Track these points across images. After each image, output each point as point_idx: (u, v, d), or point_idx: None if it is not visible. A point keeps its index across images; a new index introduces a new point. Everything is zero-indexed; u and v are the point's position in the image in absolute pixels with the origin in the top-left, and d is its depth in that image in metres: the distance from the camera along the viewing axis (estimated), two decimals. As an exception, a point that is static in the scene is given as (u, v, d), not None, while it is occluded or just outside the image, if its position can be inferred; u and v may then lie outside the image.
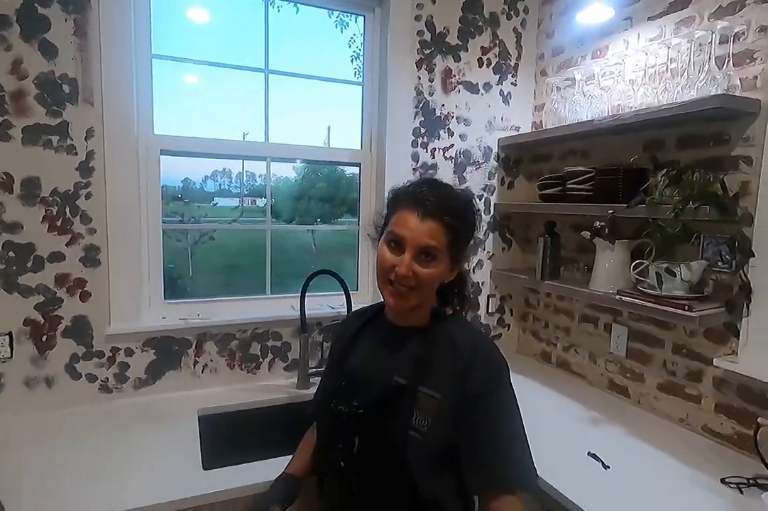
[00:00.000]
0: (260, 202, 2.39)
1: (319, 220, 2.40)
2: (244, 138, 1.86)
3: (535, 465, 0.92)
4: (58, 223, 1.48)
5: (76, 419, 1.48)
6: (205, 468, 1.24)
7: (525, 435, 0.93)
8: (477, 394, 0.90)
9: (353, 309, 1.56)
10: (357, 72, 2.05)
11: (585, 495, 1.13)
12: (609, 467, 1.26)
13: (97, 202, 1.51)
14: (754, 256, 1.28)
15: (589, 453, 1.32)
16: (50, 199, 1.46)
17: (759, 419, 1.18)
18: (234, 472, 1.22)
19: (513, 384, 0.95)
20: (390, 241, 0.94)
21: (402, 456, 0.87)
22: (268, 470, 1.20)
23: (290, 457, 1.17)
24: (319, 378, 1.23)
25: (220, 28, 1.81)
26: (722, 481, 1.20)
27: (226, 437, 1.55)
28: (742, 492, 1.16)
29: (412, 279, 0.91)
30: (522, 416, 0.94)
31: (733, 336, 1.34)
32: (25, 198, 1.44)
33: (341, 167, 2.39)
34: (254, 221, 2.15)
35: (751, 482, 1.17)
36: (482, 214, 2.09)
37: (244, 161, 2.07)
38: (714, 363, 1.37)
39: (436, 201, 0.92)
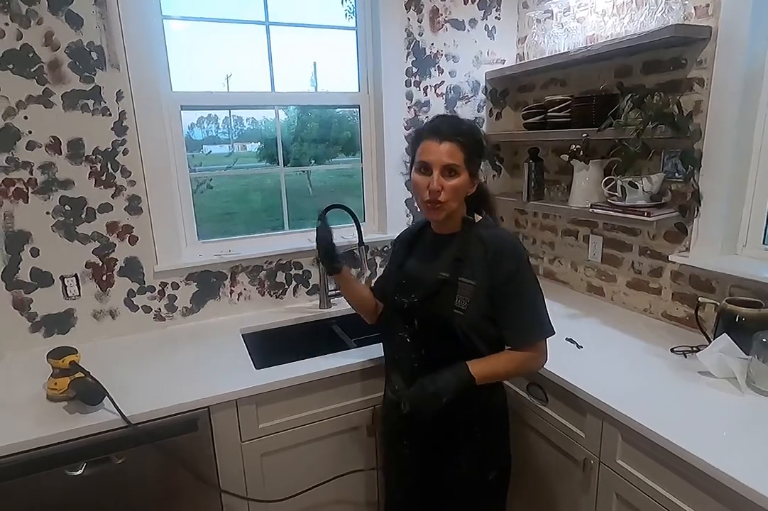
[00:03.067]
0: (251, 147, 2.46)
1: (313, 161, 2.45)
2: (227, 85, 1.97)
3: (550, 320, 1.22)
4: (103, 178, 1.70)
5: (140, 343, 1.76)
6: (257, 368, 1.54)
7: (544, 302, 1.22)
8: (504, 278, 1.17)
9: (363, 238, 1.97)
10: (348, 13, 2.16)
11: (562, 368, 1.41)
12: (582, 347, 1.56)
13: (133, 157, 1.72)
14: (700, 166, 1.51)
15: (566, 338, 1.61)
16: (93, 157, 1.67)
17: (699, 298, 1.46)
18: (281, 369, 1.52)
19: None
20: (420, 168, 1.17)
21: (450, 328, 1.18)
22: (308, 365, 1.53)
23: (322, 356, 1.55)
24: (339, 298, 1.57)
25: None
26: (671, 350, 1.50)
27: (268, 348, 1.85)
28: (686, 357, 1.46)
29: (442, 192, 1.14)
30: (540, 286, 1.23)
31: (683, 234, 1.60)
32: (72, 157, 1.65)
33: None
34: (247, 167, 2.24)
35: (693, 349, 1.46)
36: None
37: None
38: (670, 259, 1.64)
39: (448, 127, 1.15)
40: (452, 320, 1.17)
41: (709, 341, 1.42)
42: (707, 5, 1.47)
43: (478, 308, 1.18)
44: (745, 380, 1.28)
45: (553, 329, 1.21)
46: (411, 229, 1.43)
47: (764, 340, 1.24)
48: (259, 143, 2.36)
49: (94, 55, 1.59)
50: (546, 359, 1.24)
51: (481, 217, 1.27)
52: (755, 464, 0.99)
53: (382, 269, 1.80)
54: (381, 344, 1.42)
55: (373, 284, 1.54)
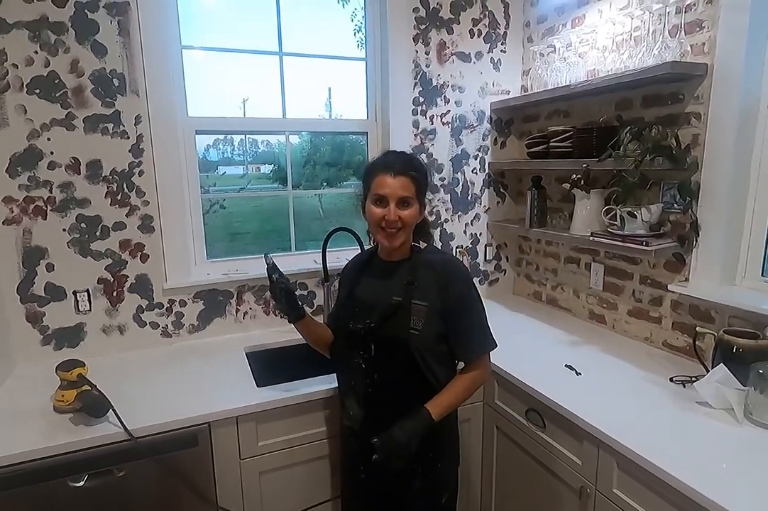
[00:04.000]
0: (264, 168, 2.52)
1: (325, 184, 2.50)
2: (243, 110, 2.05)
3: (493, 335, 1.34)
4: (118, 197, 1.77)
5: (147, 359, 1.80)
6: (258, 386, 1.56)
7: (486, 319, 1.33)
8: (454, 299, 1.27)
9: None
10: (360, 44, 2.26)
11: (561, 395, 1.43)
12: (581, 374, 1.57)
13: (148, 178, 1.79)
14: (698, 197, 1.54)
15: (565, 365, 1.62)
16: (110, 177, 1.74)
17: (697, 328, 1.47)
18: (282, 388, 1.54)
19: (505, 315, 1.32)
20: (375, 200, 1.26)
21: (407, 348, 1.24)
22: (309, 384, 1.56)
23: (322, 376, 1.56)
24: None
25: (232, 15, 2.00)
26: (670, 380, 1.50)
27: (271, 366, 1.87)
28: (684, 386, 1.46)
29: (399, 221, 1.24)
30: (484, 306, 1.34)
31: (682, 264, 1.62)
32: (90, 178, 1.72)
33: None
34: (259, 188, 2.28)
35: (693, 379, 1.46)
36: (478, 172, 2.34)
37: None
38: (669, 288, 1.65)
39: (401, 163, 1.26)
40: (409, 340, 1.24)
41: (707, 371, 1.42)
42: (703, 44, 1.52)
43: (432, 327, 1.26)
44: (743, 411, 1.28)
45: (495, 342, 1.34)
46: (357, 260, 1.49)
47: (761, 371, 1.25)
48: (272, 165, 2.41)
49: (115, 81, 1.68)
50: (490, 371, 1.38)
51: (426, 244, 1.37)
52: (753, 498, 0.99)
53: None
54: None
55: (327, 319, 1.57)
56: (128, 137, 1.74)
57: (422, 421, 1.20)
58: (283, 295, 1.34)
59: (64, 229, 1.71)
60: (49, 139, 1.64)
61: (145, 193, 1.80)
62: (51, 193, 1.67)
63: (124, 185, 1.77)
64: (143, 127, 1.75)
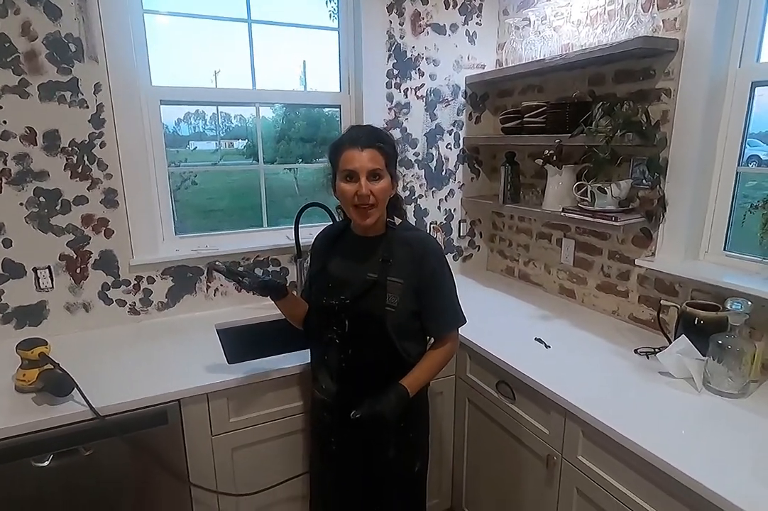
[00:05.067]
0: (237, 144, 2.45)
1: (300, 160, 2.45)
2: (215, 82, 1.98)
3: (462, 311, 1.35)
4: (79, 170, 1.69)
5: (114, 337, 1.75)
6: (229, 362, 1.55)
7: (456, 295, 1.34)
8: (429, 275, 1.28)
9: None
10: (332, 14, 2.18)
11: (530, 367, 1.45)
12: (549, 347, 1.60)
13: (110, 150, 1.72)
14: (665, 173, 1.56)
15: (535, 338, 1.65)
16: (69, 149, 1.66)
17: (662, 301, 1.51)
18: (254, 364, 1.53)
19: (479, 291, 1.30)
20: (345, 176, 1.22)
21: (383, 325, 1.24)
22: (280, 360, 1.55)
23: (295, 353, 1.56)
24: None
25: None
26: (635, 351, 1.55)
27: (242, 343, 1.85)
28: (648, 358, 1.51)
29: (371, 196, 1.20)
30: (455, 282, 1.35)
31: (649, 239, 1.65)
32: (48, 149, 1.64)
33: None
34: (231, 164, 2.23)
35: (656, 350, 1.51)
36: (452, 147, 2.32)
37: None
38: (636, 263, 1.69)
39: (367, 136, 1.22)
40: (385, 317, 1.24)
41: (670, 343, 1.47)
42: (675, 19, 1.52)
43: (406, 304, 1.26)
44: (702, 380, 1.33)
45: (465, 318, 1.36)
46: (329, 232, 1.45)
47: (720, 342, 1.29)
48: (246, 141, 2.34)
49: (72, 46, 1.59)
50: (458, 344, 1.41)
51: (400, 221, 1.36)
52: (710, 463, 1.03)
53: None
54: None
55: (301, 294, 1.54)
56: (87, 106, 1.65)
57: (399, 396, 1.21)
58: (257, 288, 1.31)
59: (21, 204, 1.64)
60: (1, 107, 1.55)
61: (107, 166, 1.73)
62: (5, 165, 1.59)
63: (85, 157, 1.69)
64: (104, 95, 1.67)
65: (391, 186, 1.27)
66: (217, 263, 1.35)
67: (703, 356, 1.35)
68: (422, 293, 1.27)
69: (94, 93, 1.65)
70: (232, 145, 2.43)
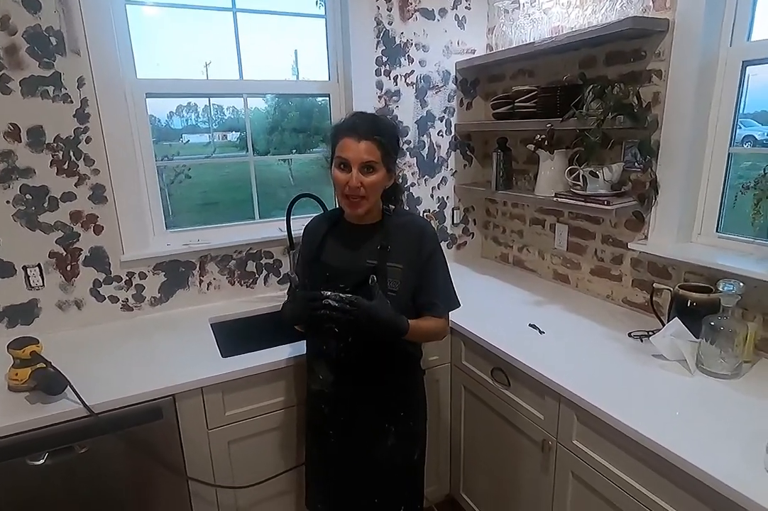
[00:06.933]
0: (231, 136, 2.42)
1: (294, 151, 2.43)
2: (206, 74, 1.95)
3: (457, 294, 1.36)
4: (65, 166, 1.67)
5: (107, 333, 1.74)
6: (223, 356, 1.54)
7: (451, 278, 1.35)
8: (426, 259, 1.29)
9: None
10: (318, 1, 2.14)
11: (524, 352, 1.46)
12: (544, 332, 1.60)
13: (97, 145, 1.69)
14: (657, 156, 1.55)
15: (530, 324, 1.65)
16: (55, 145, 1.64)
17: (654, 284, 1.51)
18: (248, 357, 1.52)
19: (473, 278, 1.31)
20: (339, 164, 1.21)
21: None
22: (274, 353, 1.55)
23: (288, 345, 1.57)
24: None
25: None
26: (629, 335, 1.55)
27: (236, 337, 1.85)
28: (642, 341, 1.51)
29: (362, 188, 1.19)
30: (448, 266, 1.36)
31: (641, 222, 1.64)
32: (33, 145, 1.61)
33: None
34: (222, 156, 2.22)
35: (649, 333, 1.51)
36: (444, 134, 2.30)
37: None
38: (629, 246, 1.68)
39: (366, 126, 1.20)
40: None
41: (664, 326, 1.47)
42: (665, -2, 1.50)
43: (407, 288, 1.27)
44: (695, 362, 1.33)
45: (459, 301, 1.36)
46: (321, 220, 1.43)
47: (712, 323, 1.29)
48: (239, 133, 2.32)
49: (53, 40, 1.56)
50: (448, 329, 1.43)
51: (394, 207, 1.35)
52: (703, 444, 1.03)
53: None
54: None
55: (293, 285, 1.46)
56: (71, 101, 1.63)
57: (398, 318, 1.19)
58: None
59: (7, 202, 1.61)
60: (-18, 103, 1.52)
61: (94, 162, 1.71)
62: (-10, 162, 1.57)
63: (71, 153, 1.67)
64: (87, 90, 1.64)
65: (387, 178, 1.25)
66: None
67: (696, 338, 1.35)
68: (419, 274, 1.28)
69: (77, 87, 1.62)
70: (226, 138, 2.40)
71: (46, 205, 1.68)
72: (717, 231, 1.56)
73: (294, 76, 2.16)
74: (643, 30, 1.50)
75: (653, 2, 1.52)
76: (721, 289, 1.28)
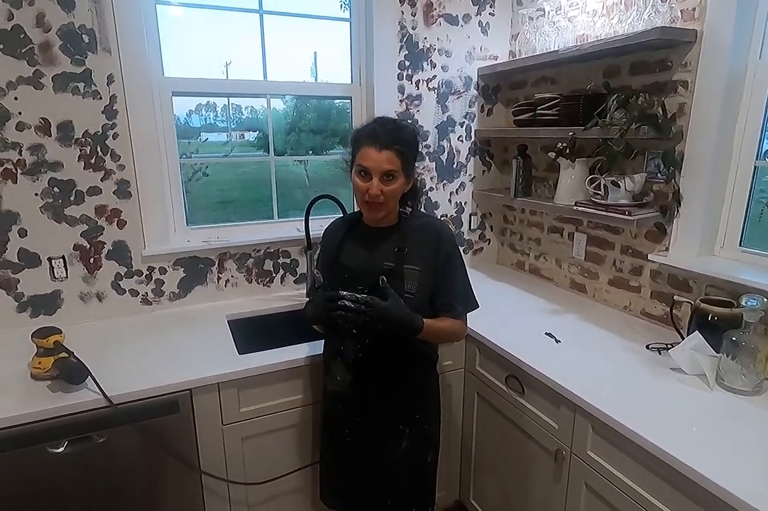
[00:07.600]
0: (248, 135, 2.45)
1: (310, 152, 2.44)
2: (226, 73, 1.97)
3: (475, 295, 1.37)
4: (92, 161, 1.70)
5: (126, 326, 1.77)
6: (240, 353, 1.56)
7: (469, 279, 1.36)
8: (444, 260, 1.30)
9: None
10: (343, 5, 2.16)
11: (540, 361, 1.45)
12: (560, 341, 1.59)
13: (123, 141, 1.73)
14: (681, 167, 1.54)
15: (546, 333, 1.65)
16: (83, 140, 1.67)
17: (675, 297, 1.50)
18: (264, 355, 1.54)
19: (489, 284, 1.32)
20: (359, 172, 1.23)
21: None
22: (290, 351, 1.56)
23: (305, 344, 1.57)
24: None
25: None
26: (647, 347, 1.53)
27: (253, 334, 1.87)
28: (660, 353, 1.49)
29: (381, 196, 1.21)
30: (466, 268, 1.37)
31: (663, 234, 1.63)
32: (62, 140, 1.65)
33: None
34: (242, 155, 2.24)
35: (668, 346, 1.49)
36: (464, 139, 2.30)
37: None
38: (649, 258, 1.67)
39: (387, 135, 1.21)
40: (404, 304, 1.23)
41: (683, 339, 1.45)
42: (694, 9, 1.49)
43: (424, 290, 1.28)
44: (715, 377, 1.32)
45: (478, 302, 1.37)
46: (340, 223, 1.46)
47: (734, 338, 1.28)
48: (257, 132, 2.34)
49: (85, 37, 1.59)
50: (466, 330, 1.40)
51: (411, 209, 1.38)
52: (721, 460, 1.02)
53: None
54: None
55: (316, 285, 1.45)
56: (101, 98, 1.66)
57: (413, 316, 1.20)
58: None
59: (36, 194, 1.65)
60: (16, 98, 1.56)
61: (120, 157, 1.74)
62: (21, 155, 1.60)
63: (98, 148, 1.70)
64: (116, 87, 1.67)
65: (406, 184, 1.27)
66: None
67: (717, 352, 1.34)
68: (437, 276, 1.29)
69: (107, 84, 1.66)
70: (243, 137, 2.42)
71: (72, 198, 1.71)
72: (740, 245, 1.55)
73: (312, 78, 2.18)
74: (670, 40, 1.49)
75: (681, 13, 1.52)
76: (744, 303, 1.26)
